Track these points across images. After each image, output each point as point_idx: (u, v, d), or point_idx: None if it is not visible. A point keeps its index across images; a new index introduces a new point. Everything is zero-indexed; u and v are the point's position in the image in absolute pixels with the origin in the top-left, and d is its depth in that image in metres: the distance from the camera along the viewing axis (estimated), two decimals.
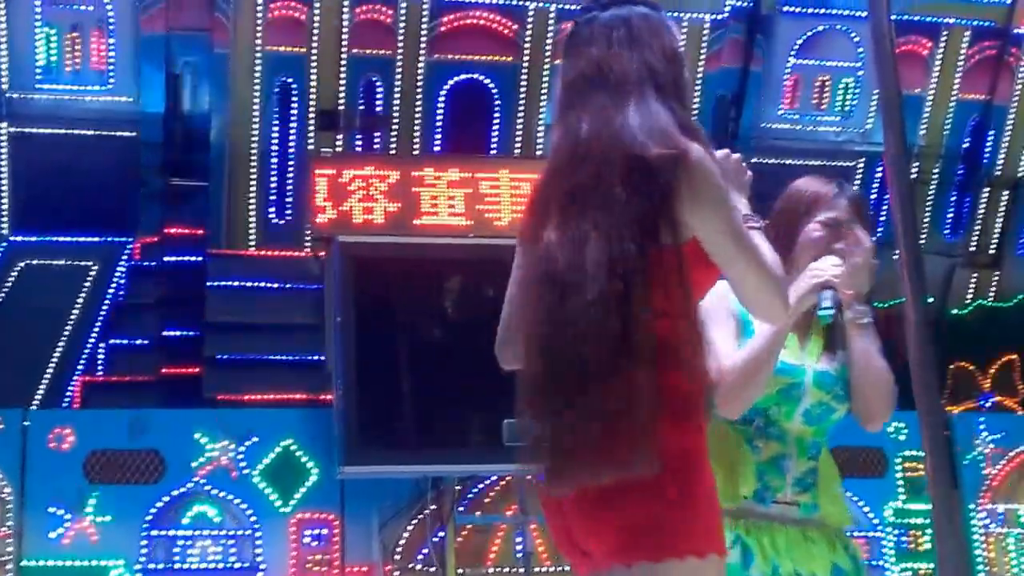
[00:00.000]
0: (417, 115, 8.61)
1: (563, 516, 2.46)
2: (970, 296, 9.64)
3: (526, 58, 8.62)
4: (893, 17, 2.69)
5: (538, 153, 8.46)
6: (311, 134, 8.51)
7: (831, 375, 3.43)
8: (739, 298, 2.55)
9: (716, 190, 2.45)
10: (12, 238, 8.23)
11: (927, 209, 9.46)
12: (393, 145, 8.62)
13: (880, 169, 9.21)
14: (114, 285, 8.35)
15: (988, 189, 9.59)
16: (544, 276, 2.45)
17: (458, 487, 7.35)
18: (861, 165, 9.31)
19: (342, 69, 8.47)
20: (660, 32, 2.59)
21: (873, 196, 9.23)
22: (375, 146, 8.68)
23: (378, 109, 8.62)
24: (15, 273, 8.19)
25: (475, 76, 8.70)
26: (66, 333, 8.13)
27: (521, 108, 8.72)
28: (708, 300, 3.16)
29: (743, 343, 3.28)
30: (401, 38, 8.46)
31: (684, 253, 2.42)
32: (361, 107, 8.61)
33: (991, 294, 9.66)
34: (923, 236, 9.16)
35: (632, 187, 2.40)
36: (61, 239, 8.29)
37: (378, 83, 8.59)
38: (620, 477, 2.32)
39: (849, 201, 3.53)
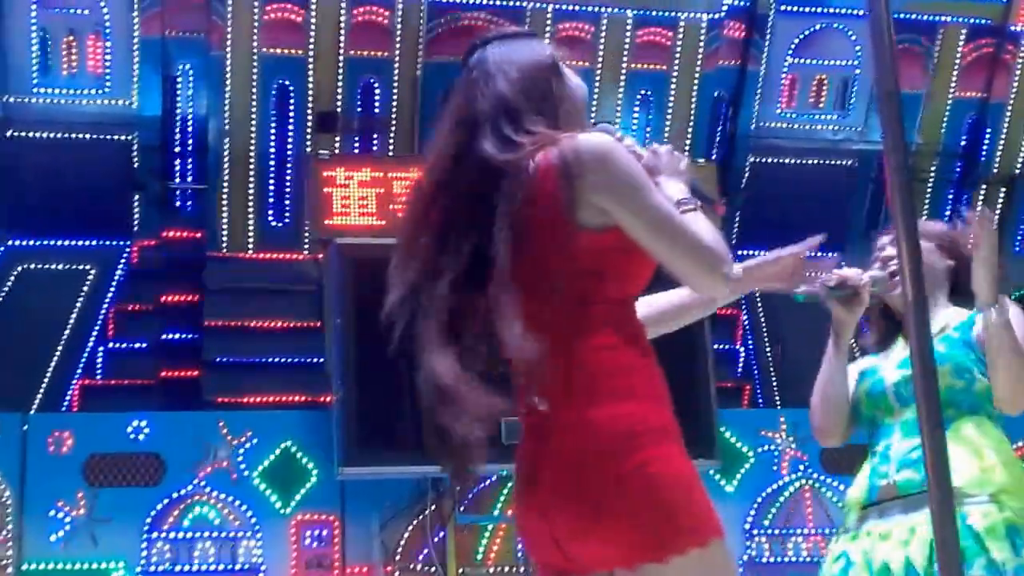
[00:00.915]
0: (415, 117, 8.60)
1: (548, 519, 2.42)
2: None
3: None
4: None
5: None
6: (309, 136, 8.51)
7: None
8: (677, 279, 2.55)
9: (611, 177, 2.45)
10: (9, 242, 8.22)
11: (924, 207, 9.45)
12: (391, 147, 8.61)
13: (878, 167, 9.21)
14: (113, 288, 8.35)
15: (985, 187, 9.58)
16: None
17: (458, 487, 7.35)
18: (858, 163, 9.31)
19: (340, 71, 8.46)
20: (514, 55, 2.64)
21: (871, 195, 9.24)
22: (373, 148, 8.67)
23: (376, 111, 8.62)
24: (13, 277, 8.18)
25: None
26: (64, 337, 8.12)
27: None
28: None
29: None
30: (399, 40, 8.46)
31: (574, 247, 2.45)
32: (359, 109, 8.61)
33: None
34: None
35: (494, 192, 2.55)
36: (59, 243, 8.29)
37: (376, 85, 8.59)
38: (610, 479, 2.33)
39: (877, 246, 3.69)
